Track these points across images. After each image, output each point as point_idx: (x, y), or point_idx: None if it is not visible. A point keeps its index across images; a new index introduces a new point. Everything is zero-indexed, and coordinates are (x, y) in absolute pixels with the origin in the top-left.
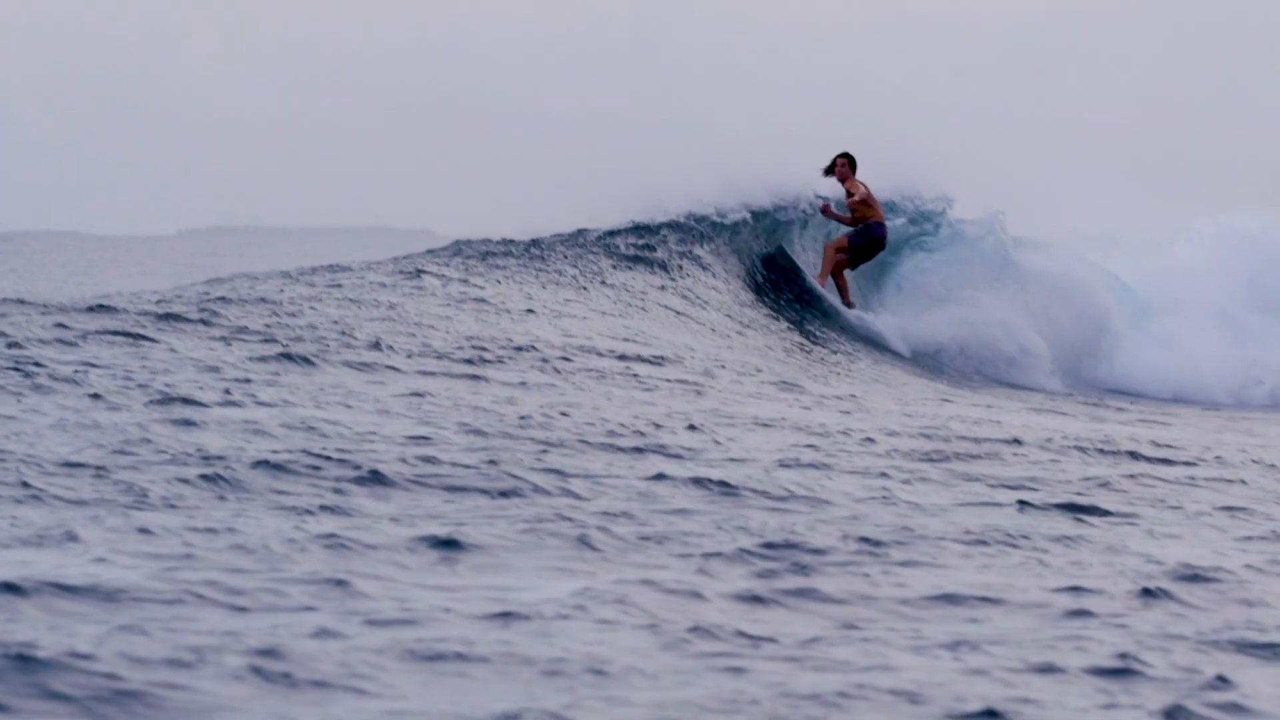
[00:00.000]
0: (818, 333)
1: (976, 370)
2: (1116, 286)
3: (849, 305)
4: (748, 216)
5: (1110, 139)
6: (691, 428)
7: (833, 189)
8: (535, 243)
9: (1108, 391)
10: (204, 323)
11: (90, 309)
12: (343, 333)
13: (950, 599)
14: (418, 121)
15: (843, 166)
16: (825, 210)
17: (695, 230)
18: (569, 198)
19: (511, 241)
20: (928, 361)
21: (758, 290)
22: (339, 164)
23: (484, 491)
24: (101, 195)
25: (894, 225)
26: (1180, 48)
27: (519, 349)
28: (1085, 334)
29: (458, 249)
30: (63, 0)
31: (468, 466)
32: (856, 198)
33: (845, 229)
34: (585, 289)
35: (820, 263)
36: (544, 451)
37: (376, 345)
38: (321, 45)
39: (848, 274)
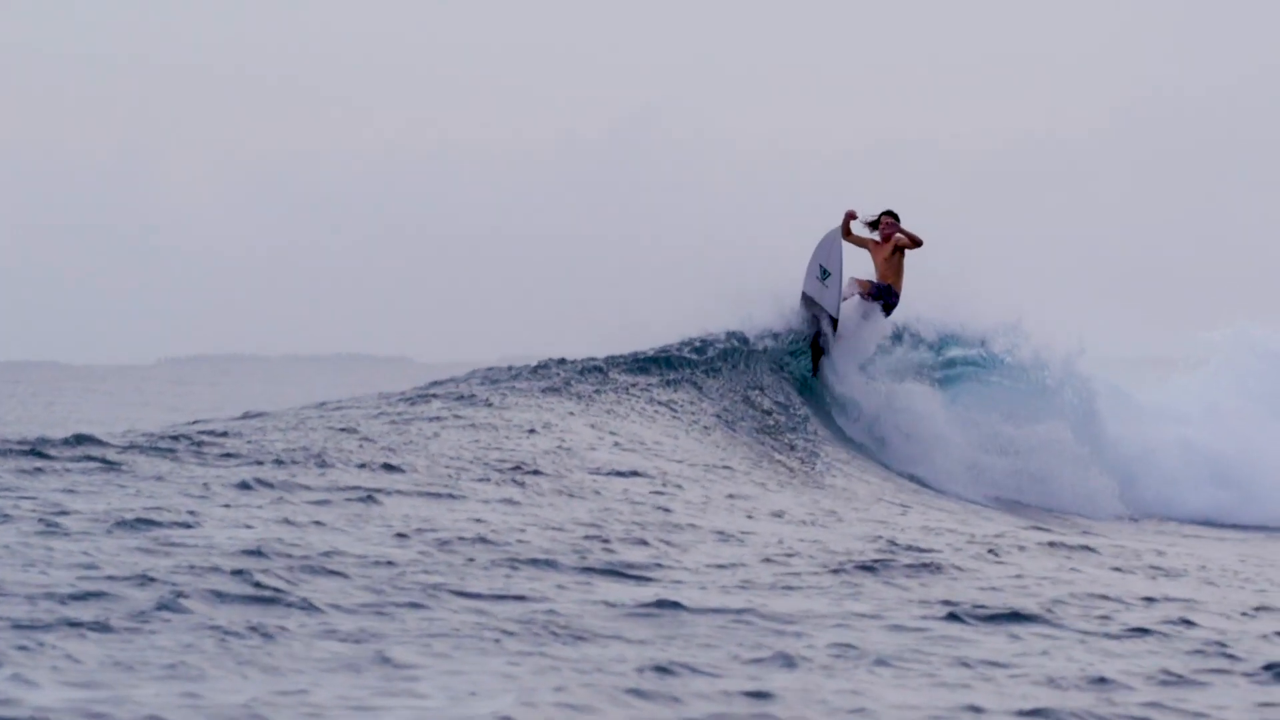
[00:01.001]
0: (809, 443)
1: (1037, 499)
2: (1172, 415)
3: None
4: (743, 336)
5: (1084, 257)
6: (642, 543)
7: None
8: (542, 365)
9: (1192, 524)
10: (185, 451)
11: (66, 440)
12: (318, 455)
13: (871, 716)
14: (394, 248)
15: (888, 225)
16: (850, 218)
17: (694, 350)
18: (561, 322)
19: (520, 367)
20: (932, 472)
21: (757, 404)
22: (316, 291)
23: (425, 610)
24: (79, 325)
25: (966, 354)
26: (1146, 168)
27: (499, 467)
28: (1159, 464)
29: (467, 377)
30: (41, 128)
31: (414, 585)
32: (890, 245)
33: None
34: (587, 406)
35: (850, 288)
36: (494, 569)
37: (363, 466)
38: (298, 173)
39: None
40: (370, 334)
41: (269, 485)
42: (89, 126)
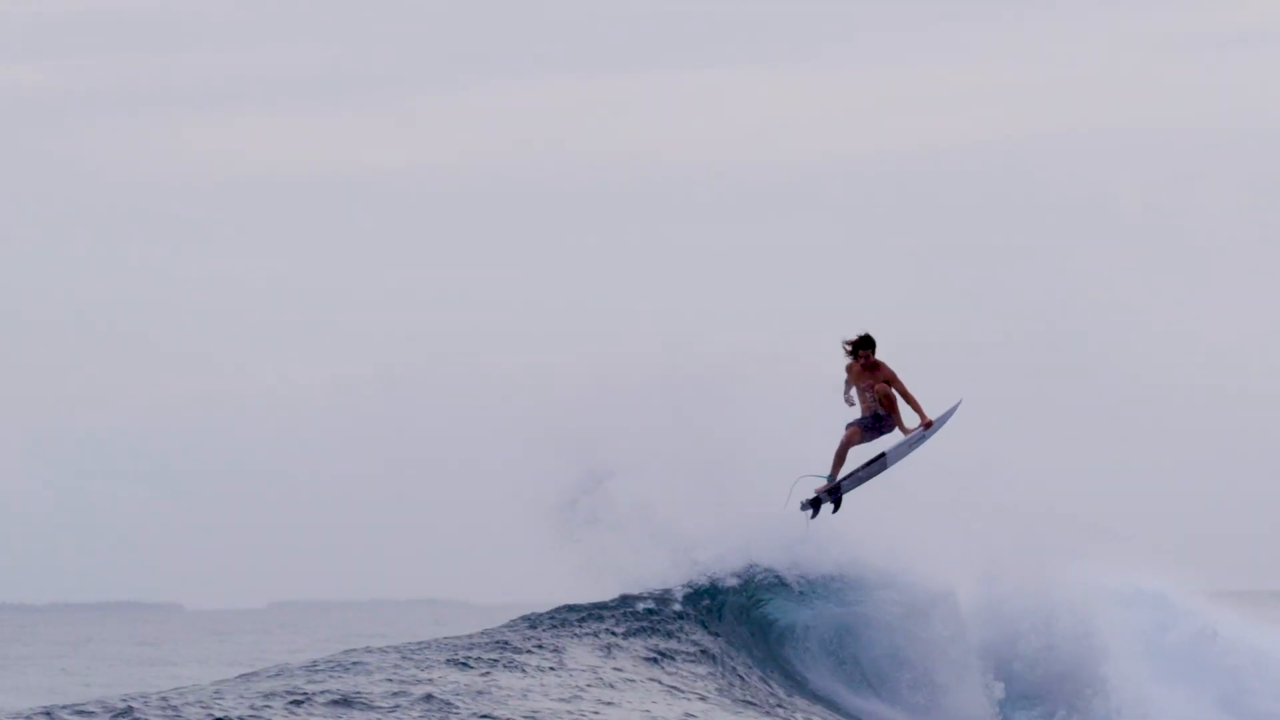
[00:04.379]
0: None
1: None
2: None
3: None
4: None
5: None
6: None
7: None
8: (446, 639)
9: None
10: None
11: None
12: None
13: None
14: (161, 492)
15: (867, 355)
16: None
17: (570, 617)
18: (337, 567)
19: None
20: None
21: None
22: (83, 538)
23: None
24: None
25: None
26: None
27: None
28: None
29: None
30: None
31: None
32: (894, 386)
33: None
34: (483, 672)
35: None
36: None
37: None
38: (58, 417)
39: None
40: (139, 581)
41: None
42: None
